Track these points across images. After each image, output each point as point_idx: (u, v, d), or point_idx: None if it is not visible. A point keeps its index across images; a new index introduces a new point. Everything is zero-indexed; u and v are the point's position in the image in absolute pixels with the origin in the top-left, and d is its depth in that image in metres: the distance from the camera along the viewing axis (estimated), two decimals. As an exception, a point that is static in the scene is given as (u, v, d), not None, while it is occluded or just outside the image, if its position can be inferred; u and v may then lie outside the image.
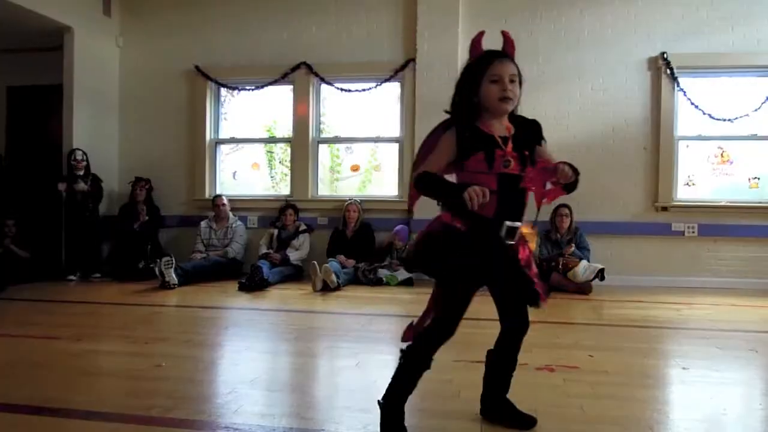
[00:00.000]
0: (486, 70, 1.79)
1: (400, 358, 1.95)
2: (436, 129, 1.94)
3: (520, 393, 2.34)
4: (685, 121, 5.70)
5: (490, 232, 1.80)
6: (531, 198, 1.87)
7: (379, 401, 1.94)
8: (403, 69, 6.00)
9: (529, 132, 1.88)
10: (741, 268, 5.44)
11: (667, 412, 2.10)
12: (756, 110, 5.49)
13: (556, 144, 5.73)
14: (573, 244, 5.27)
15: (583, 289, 5.08)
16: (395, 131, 6.20)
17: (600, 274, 5.07)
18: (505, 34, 1.87)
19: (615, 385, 2.47)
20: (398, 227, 5.69)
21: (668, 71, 5.52)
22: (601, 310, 4.48)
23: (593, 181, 5.65)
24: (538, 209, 1.87)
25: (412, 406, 2.21)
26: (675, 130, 5.64)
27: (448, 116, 1.95)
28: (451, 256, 1.82)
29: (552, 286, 5.21)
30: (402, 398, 1.93)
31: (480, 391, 2.22)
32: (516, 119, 1.89)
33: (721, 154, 5.73)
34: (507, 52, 1.86)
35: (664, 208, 5.56)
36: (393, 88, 6.20)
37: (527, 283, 1.89)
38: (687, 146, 5.74)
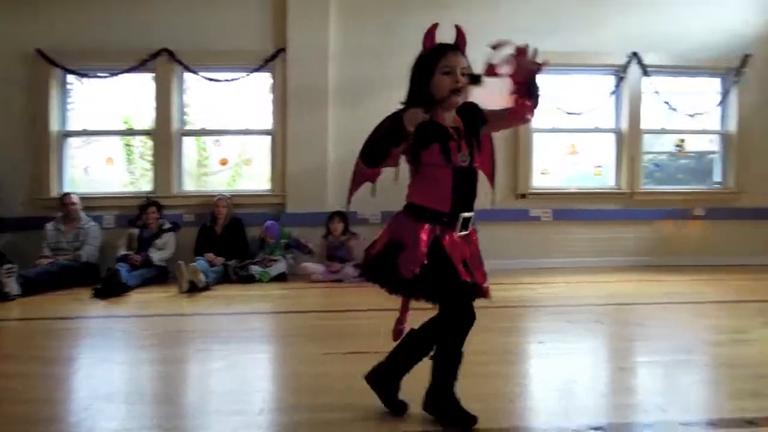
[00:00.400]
0: (439, 61, 1.81)
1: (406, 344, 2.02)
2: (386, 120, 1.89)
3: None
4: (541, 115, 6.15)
5: (447, 225, 1.84)
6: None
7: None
8: (273, 59, 5.83)
9: (472, 119, 1.91)
10: (589, 248, 5.99)
11: (526, 384, 2.24)
12: (600, 105, 6.09)
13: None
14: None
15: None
16: (267, 123, 6.02)
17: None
18: (458, 28, 1.89)
19: (477, 364, 2.56)
20: (268, 223, 5.55)
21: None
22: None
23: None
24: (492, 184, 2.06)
25: (285, 402, 2.16)
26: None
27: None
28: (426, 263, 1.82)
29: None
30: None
31: (355, 380, 2.21)
32: (460, 110, 1.90)
33: (571, 145, 6.28)
34: (459, 45, 1.87)
35: (523, 195, 5.97)
36: (263, 79, 6.01)
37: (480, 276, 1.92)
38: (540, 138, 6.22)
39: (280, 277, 5.33)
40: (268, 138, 6.00)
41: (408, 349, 2.03)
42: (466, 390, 2.20)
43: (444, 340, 1.92)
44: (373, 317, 3.72)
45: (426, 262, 1.81)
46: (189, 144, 6.16)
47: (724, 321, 3.51)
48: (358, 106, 5.86)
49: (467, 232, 1.91)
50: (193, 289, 4.66)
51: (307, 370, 2.55)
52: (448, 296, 1.86)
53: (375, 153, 1.85)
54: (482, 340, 3.01)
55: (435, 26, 1.88)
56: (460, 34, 1.89)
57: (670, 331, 3.28)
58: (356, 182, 2.12)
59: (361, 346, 2.89)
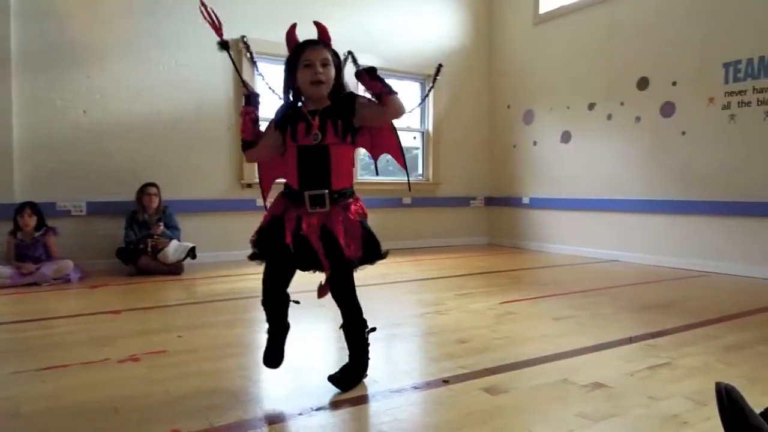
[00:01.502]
0: (300, 57, 1.98)
1: (364, 328, 2.17)
2: None
3: (100, 391, 2.09)
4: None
5: (297, 201, 2.00)
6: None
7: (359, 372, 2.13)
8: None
9: (342, 104, 2.01)
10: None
11: (251, 375, 2.19)
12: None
13: (138, 117, 5.41)
14: (162, 224, 5.08)
15: (174, 269, 4.97)
16: None
17: (191, 253, 5.05)
18: (316, 24, 2.06)
19: (203, 361, 2.45)
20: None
21: (248, 54, 5.83)
22: (193, 288, 4.46)
23: (181, 158, 5.57)
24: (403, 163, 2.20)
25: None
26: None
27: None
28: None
29: (141, 269, 4.93)
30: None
31: (55, 400, 1.97)
32: (335, 97, 2.03)
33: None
34: (322, 39, 2.03)
35: (249, 185, 5.91)
36: None
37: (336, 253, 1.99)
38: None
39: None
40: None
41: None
42: (190, 390, 2.06)
43: (360, 312, 2.24)
44: (76, 324, 3.25)
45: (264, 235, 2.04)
46: None
47: (427, 295, 4.02)
48: (52, 78, 5.03)
49: (326, 209, 1.99)
50: None
51: (-14, 396, 2.07)
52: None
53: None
54: (207, 336, 2.88)
55: (293, 27, 2.06)
56: (320, 29, 2.06)
57: (384, 309, 3.61)
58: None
59: (59, 359, 2.47)
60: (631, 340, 2.78)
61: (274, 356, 2.10)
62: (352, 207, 2.04)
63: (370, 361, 2.18)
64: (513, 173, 7.35)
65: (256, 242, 2.08)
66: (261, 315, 2.15)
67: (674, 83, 5.42)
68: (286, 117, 2.04)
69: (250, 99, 2.08)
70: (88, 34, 5.16)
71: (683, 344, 2.71)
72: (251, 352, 2.58)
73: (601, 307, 3.56)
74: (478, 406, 1.93)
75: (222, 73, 5.73)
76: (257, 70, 5.88)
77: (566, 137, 6.57)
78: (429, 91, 7.17)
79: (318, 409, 1.91)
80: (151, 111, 5.43)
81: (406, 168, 2.27)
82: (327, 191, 1.98)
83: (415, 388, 2.12)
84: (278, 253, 2.00)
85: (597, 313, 3.39)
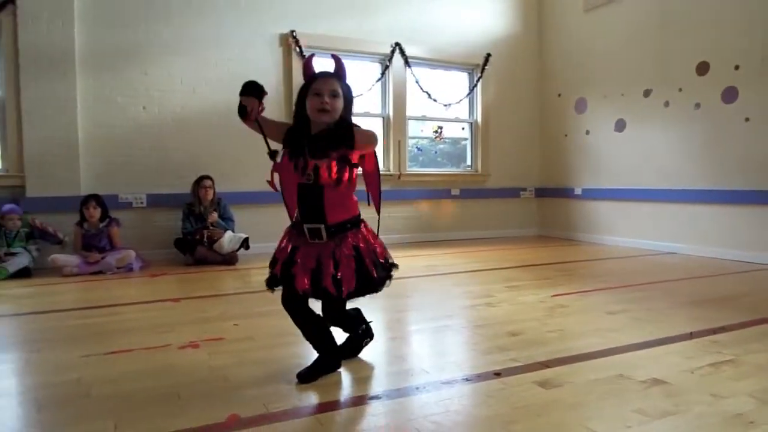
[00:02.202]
0: (310, 86, 2.06)
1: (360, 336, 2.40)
2: None
3: (163, 376, 2.19)
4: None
5: (299, 232, 2.13)
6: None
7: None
8: (-1, 12, 4.85)
9: (341, 132, 2.03)
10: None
11: (305, 363, 2.24)
12: (369, 90, 6.39)
13: (193, 112, 5.59)
14: (215, 213, 5.23)
15: (229, 259, 5.12)
16: (-6, 90, 5.01)
17: (245, 244, 5.19)
18: (334, 57, 2.16)
19: (259, 348, 2.53)
20: (7, 207, 4.68)
21: (297, 48, 5.91)
22: (248, 278, 4.58)
23: (235, 151, 5.71)
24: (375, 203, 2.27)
25: (28, 419, 1.82)
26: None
27: None
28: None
29: (198, 259, 5.10)
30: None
31: (117, 383, 2.11)
32: (337, 127, 2.06)
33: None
34: (337, 72, 2.11)
35: (299, 178, 5.99)
36: (-13, 36, 4.98)
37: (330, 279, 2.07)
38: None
39: (23, 273, 4.54)
40: (-4, 107, 5.02)
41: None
42: (247, 377, 2.14)
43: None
44: (140, 311, 3.40)
45: (279, 264, 2.18)
46: None
47: (476, 287, 4.00)
48: (114, 76, 5.25)
49: (323, 242, 2.08)
50: None
51: (60, 378, 2.20)
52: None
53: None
54: (263, 325, 2.96)
55: (310, 58, 2.12)
56: (336, 63, 2.13)
57: (432, 301, 3.62)
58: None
59: (125, 344, 2.61)
60: (691, 336, 2.69)
61: (306, 376, 2.14)
62: (349, 240, 2.09)
63: (418, 351, 2.21)
64: (564, 163, 7.19)
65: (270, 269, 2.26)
66: (312, 304, 2.20)
67: (737, 67, 5.17)
68: (292, 133, 2.13)
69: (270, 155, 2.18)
70: (145, 34, 5.35)
71: (747, 341, 2.60)
72: (304, 341, 2.63)
73: (658, 301, 3.46)
74: (532, 399, 1.91)
75: (272, 66, 5.85)
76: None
77: (621, 126, 6.37)
78: (477, 81, 7.08)
79: (371, 398, 1.95)
80: (206, 106, 5.59)
81: (378, 211, 2.29)
82: (323, 225, 2.06)
83: (467, 380, 2.12)
84: (285, 283, 2.16)
85: (653, 308, 3.29)
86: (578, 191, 6.96)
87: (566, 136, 7.13)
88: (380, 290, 2.16)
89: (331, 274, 2.04)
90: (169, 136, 5.49)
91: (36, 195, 4.97)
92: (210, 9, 5.60)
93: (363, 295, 2.12)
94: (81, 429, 1.74)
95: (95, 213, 4.84)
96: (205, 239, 5.12)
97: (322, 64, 2.17)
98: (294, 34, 5.88)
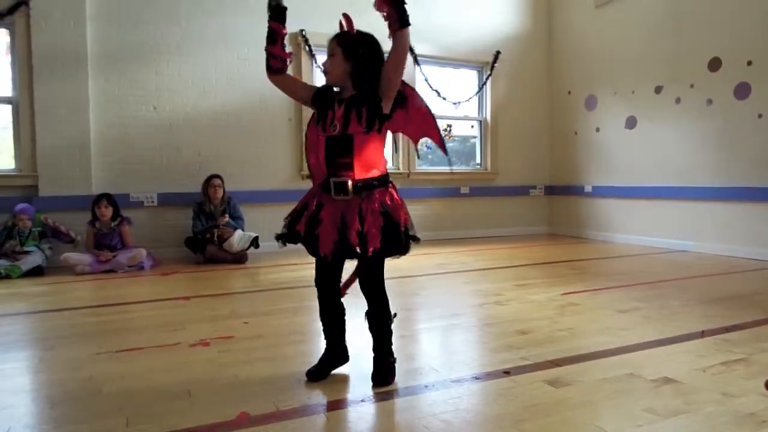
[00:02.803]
0: None
1: (387, 320, 2.15)
2: None
3: (173, 373, 2.21)
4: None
5: (325, 188, 2.02)
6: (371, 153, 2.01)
7: (388, 360, 2.13)
8: (12, 13, 4.89)
9: (367, 91, 2.00)
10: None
11: (314, 361, 2.24)
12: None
13: (203, 112, 5.62)
14: (227, 215, 5.26)
15: (239, 258, 5.15)
16: (6, 90, 5.06)
17: (255, 242, 5.21)
18: (344, 16, 2.08)
19: (268, 346, 2.54)
20: (22, 206, 4.73)
21: (307, 47, 5.92)
22: (257, 276, 4.60)
23: (244, 150, 5.74)
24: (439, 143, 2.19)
25: (42, 416, 1.84)
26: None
27: None
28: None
29: (208, 258, 5.13)
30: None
31: (128, 381, 2.12)
32: (362, 82, 2.02)
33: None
34: (338, 32, 2.06)
35: (309, 176, 6.00)
36: (0, 36, 5.04)
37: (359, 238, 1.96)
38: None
39: (36, 271, 4.59)
40: (9, 107, 5.07)
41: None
42: (256, 375, 2.15)
43: (385, 300, 2.20)
44: (151, 309, 3.43)
45: (296, 225, 2.07)
46: None
47: (486, 286, 3.99)
48: (124, 76, 5.30)
49: (348, 198, 1.98)
50: None
51: (72, 375, 2.23)
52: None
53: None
54: (271, 323, 2.98)
55: (343, 18, 2.08)
56: (339, 24, 2.07)
57: (442, 299, 3.62)
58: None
59: (136, 342, 2.63)
60: (703, 334, 2.67)
61: (316, 374, 2.12)
62: (376, 196, 2.00)
63: (428, 349, 2.20)
64: (574, 161, 7.15)
65: (287, 224, 2.13)
66: (317, 303, 2.20)
67: (749, 63, 5.11)
68: (320, 102, 2.08)
69: (278, 11, 2.05)
70: (155, 35, 5.39)
71: (759, 339, 2.57)
72: (313, 339, 2.65)
73: (669, 300, 3.43)
74: (542, 398, 1.91)
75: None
76: (316, 63, 5.96)
77: (631, 123, 6.33)
78: (486, 79, 7.06)
79: (381, 396, 1.95)
80: (216, 105, 5.62)
81: (446, 151, 2.25)
82: (350, 179, 1.97)
83: (476, 378, 2.12)
84: (310, 243, 2.05)
85: (664, 306, 3.27)
86: (588, 189, 6.92)
87: (576, 133, 7.09)
88: (405, 254, 2.05)
89: (357, 230, 1.94)
90: (180, 135, 5.52)
91: (49, 194, 5.02)
92: (219, 9, 5.62)
93: (389, 256, 2.02)
94: (93, 425, 1.75)
95: (107, 212, 4.88)
96: (215, 238, 5.14)
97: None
98: (303, 33, 5.89)
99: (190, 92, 5.53)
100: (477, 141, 7.27)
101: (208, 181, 5.31)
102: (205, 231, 5.19)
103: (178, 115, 5.52)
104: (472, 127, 7.26)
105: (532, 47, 7.33)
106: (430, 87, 6.66)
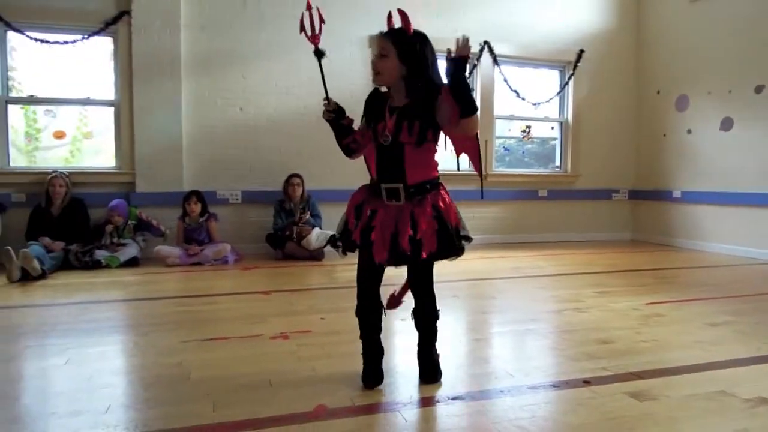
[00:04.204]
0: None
1: (435, 318, 2.13)
2: None
3: (255, 364, 2.31)
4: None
5: (377, 194, 2.02)
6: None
7: (435, 357, 2.13)
8: (115, 22, 5.28)
9: (421, 102, 1.93)
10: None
11: (387, 360, 2.28)
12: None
13: (286, 113, 5.80)
14: (307, 213, 5.42)
15: (316, 255, 5.29)
16: (109, 93, 5.47)
17: (332, 241, 5.32)
18: (389, 13, 1.99)
19: (345, 343, 2.60)
20: (115, 202, 5.09)
21: (385, 50, 5.98)
22: (334, 274, 4.71)
23: (324, 150, 5.88)
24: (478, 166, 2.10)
25: (136, 397, 1.99)
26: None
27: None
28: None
29: (287, 254, 5.31)
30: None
31: (213, 368, 2.24)
32: (415, 90, 1.94)
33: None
34: (391, 30, 1.97)
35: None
36: (104, 44, 5.44)
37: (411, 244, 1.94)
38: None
39: (132, 262, 4.93)
40: (111, 109, 5.47)
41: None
42: (334, 369, 2.21)
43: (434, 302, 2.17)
44: (234, 301, 3.60)
45: (353, 228, 2.05)
46: (15, 114, 5.40)
47: (563, 291, 3.88)
48: (214, 80, 5.58)
49: (400, 203, 1.97)
50: (27, 277, 4.14)
51: (163, 360, 2.38)
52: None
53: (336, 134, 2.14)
54: (349, 320, 3.04)
55: (389, 16, 2.00)
56: (391, 18, 1.99)
57: (518, 303, 3.55)
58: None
59: (221, 332, 2.77)
60: (805, 354, 2.47)
61: (371, 376, 2.08)
62: (429, 200, 1.97)
63: (503, 354, 2.17)
64: (662, 164, 6.79)
65: (341, 233, 2.14)
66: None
67: None
68: (371, 110, 2.05)
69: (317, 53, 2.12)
70: (242, 40, 5.63)
71: None
72: (388, 338, 2.67)
73: (766, 315, 3.20)
74: (624, 411, 1.84)
75: (361, 67, 5.94)
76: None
77: (727, 124, 5.93)
78: (569, 79, 6.84)
79: (455, 398, 1.95)
80: (298, 106, 5.80)
81: (481, 174, 2.14)
82: (402, 185, 1.96)
83: (554, 386, 2.07)
84: (365, 249, 2.02)
85: (761, 321, 3.05)
86: (677, 194, 6.55)
87: (665, 135, 6.73)
88: (460, 255, 2.02)
89: (408, 235, 1.92)
90: (263, 135, 5.75)
91: (144, 191, 5.37)
92: (302, 12, 5.79)
93: (445, 257, 2.00)
94: (183, 409, 1.87)
95: (196, 208, 5.16)
96: (294, 235, 5.31)
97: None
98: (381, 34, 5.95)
99: (273, 94, 5.75)
100: (557, 143, 7.07)
101: (288, 180, 5.49)
102: (284, 228, 5.37)
103: (262, 116, 5.74)
104: (552, 128, 7.06)
105: (618, 44, 7.03)
106: (510, 87, 6.54)
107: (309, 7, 2.07)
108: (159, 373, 2.21)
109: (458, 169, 2.21)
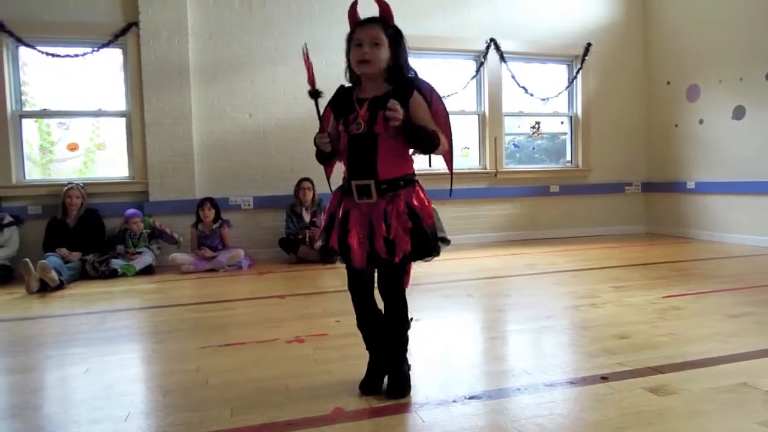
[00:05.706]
0: (353, 36, 1.90)
1: (405, 327, 2.01)
2: None
3: (272, 368, 2.32)
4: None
5: (347, 192, 1.94)
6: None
7: (404, 369, 2.01)
8: (124, 34, 5.34)
9: (399, 94, 1.86)
10: (458, 226, 6.28)
11: (406, 361, 2.28)
12: (464, 88, 6.35)
13: (295, 118, 5.82)
14: (318, 215, 5.43)
15: (329, 258, 5.29)
16: (120, 104, 5.53)
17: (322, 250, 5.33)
18: (377, 2, 1.91)
19: (360, 345, 2.57)
20: (130, 211, 5.14)
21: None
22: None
23: (333, 154, 5.90)
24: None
25: (156, 403, 2.01)
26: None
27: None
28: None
29: (300, 258, 5.32)
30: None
31: (232, 374, 2.23)
32: (399, 81, 1.91)
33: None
34: (381, 17, 1.91)
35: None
36: (114, 55, 5.51)
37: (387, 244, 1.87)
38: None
39: (147, 270, 4.98)
40: (123, 120, 5.53)
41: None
42: (350, 373, 2.21)
43: (405, 309, 2.07)
44: (249, 306, 3.62)
45: (327, 232, 2.01)
46: (29, 127, 5.48)
47: (579, 287, 3.86)
48: (222, 87, 5.62)
49: (372, 201, 1.88)
50: (45, 288, 4.20)
51: (181, 366, 2.40)
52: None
53: (320, 159, 2.06)
54: (353, 322, 3.04)
55: (353, 5, 1.94)
56: (380, 6, 1.92)
57: (533, 300, 3.53)
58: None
59: (237, 337, 2.79)
60: (827, 344, 2.43)
61: (366, 382, 2.02)
62: (401, 197, 1.88)
63: (519, 352, 2.15)
64: (675, 156, 6.72)
65: (323, 239, 2.05)
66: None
67: None
68: (340, 105, 1.97)
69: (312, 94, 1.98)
70: (250, 46, 5.67)
71: None
72: (404, 339, 2.68)
73: (788, 305, 3.15)
74: (643, 406, 1.82)
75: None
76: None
77: (739, 113, 5.86)
78: (577, 73, 6.80)
79: (471, 398, 1.94)
80: (306, 111, 5.79)
81: (451, 173, 2.09)
82: (373, 181, 1.86)
83: (571, 383, 2.06)
84: (344, 254, 1.95)
85: (782, 312, 3.01)
86: (691, 185, 6.48)
87: (677, 126, 6.66)
88: (435, 256, 1.92)
89: (383, 236, 1.84)
90: (273, 141, 5.78)
91: (157, 199, 5.42)
92: (306, 18, 5.82)
93: (419, 259, 1.90)
94: (202, 414, 1.88)
95: (210, 214, 5.20)
96: (306, 239, 5.33)
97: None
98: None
99: (282, 99, 5.78)
100: (567, 137, 7.03)
101: (299, 184, 5.51)
102: (297, 232, 5.39)
103: (271, 121, 5.78)
104: (562, 123, 7.02)
105: (626, 36, 6.98)
106: (518, 84, 6.52)
107: (307, 58, 2.00)
108: (177, 380, 2.23)
109: (429, 166, 2.11)
